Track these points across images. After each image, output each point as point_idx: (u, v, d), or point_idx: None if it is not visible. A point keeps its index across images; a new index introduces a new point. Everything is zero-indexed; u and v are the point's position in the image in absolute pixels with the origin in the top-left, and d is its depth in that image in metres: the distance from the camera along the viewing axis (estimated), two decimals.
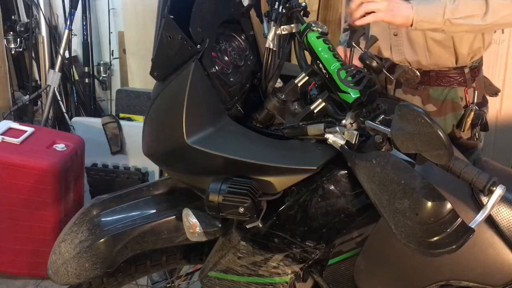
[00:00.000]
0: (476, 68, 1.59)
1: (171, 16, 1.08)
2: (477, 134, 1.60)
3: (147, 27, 3.04)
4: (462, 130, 1.58)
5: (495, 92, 1.66)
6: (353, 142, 1.05)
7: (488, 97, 1.67)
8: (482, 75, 1.63)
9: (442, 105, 1.59)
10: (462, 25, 1.38)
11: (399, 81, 1.61)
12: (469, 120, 1.56)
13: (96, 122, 2.73)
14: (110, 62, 3.38)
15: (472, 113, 1.56)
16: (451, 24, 1.37)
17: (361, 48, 1.18)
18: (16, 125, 2.22)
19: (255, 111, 1.23)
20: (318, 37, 1.19)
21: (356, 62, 1.17)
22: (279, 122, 1.24)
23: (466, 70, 1.56)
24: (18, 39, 3.32)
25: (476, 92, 1.58)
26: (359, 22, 1.31)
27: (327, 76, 1.14)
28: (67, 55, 3.12)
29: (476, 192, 1.10)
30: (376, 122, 1.02)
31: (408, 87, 1.62)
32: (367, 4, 1.32)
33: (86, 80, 3.23)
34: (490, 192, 0.91)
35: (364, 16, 1.31)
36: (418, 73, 1.57)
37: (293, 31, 1.25)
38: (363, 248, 1.14)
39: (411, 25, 1.37)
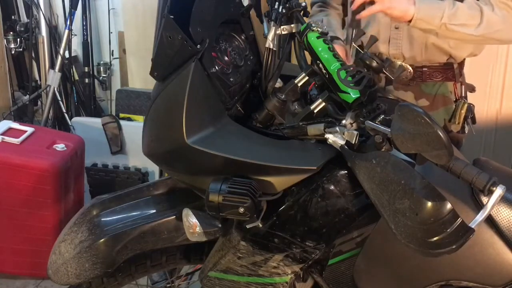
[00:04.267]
0: (462, 63, 1.64)
1: (171, 16, 1.08)
2: (466, 127, 1.64)
3: (147, 27, 3.04)
4: (457, 122, 1.61)
5: (472, 88, 1.70)
6: (353, 142, 1.05)
7: (474, 95, 1.71)
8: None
9: (434, 100, 1.62)
10: (456, 32, 1.41)
11: (389, 78, 1.62)
12: (462, 113, 1.60)
13: (96, 122, 2.73)
14: (110, 62, 3.38)
15: (466, 105, 1.60)
16: (446, 29, 1.40)
17: (361, 48, 1.18)
18: (16, 125, 2.22)
19: (255, 111, 1.23)
20: (318, 37, 1.19)
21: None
22: (279, 122, 1.24)
23: (455, 65, 1.60)
24: (18, 39, 3.32)
25: (463, 86, 1.63)
26: (358, 16, 1.39)
27: (327, 76, 1.14)
28: (67, 55, 3.12)
29: (476, 192, 1.10)
30: (376, 122, 1.02)
31: (400, 83, 1.63)
32: None
33: (86, 80, 3.23)
34: (490, 192, 0.91)
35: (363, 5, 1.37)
36: (411, 69, 1.58)
37: (293, 31, 1.25)
38: (363, 248, 1.14)
39: (410, 21, 1.38)
